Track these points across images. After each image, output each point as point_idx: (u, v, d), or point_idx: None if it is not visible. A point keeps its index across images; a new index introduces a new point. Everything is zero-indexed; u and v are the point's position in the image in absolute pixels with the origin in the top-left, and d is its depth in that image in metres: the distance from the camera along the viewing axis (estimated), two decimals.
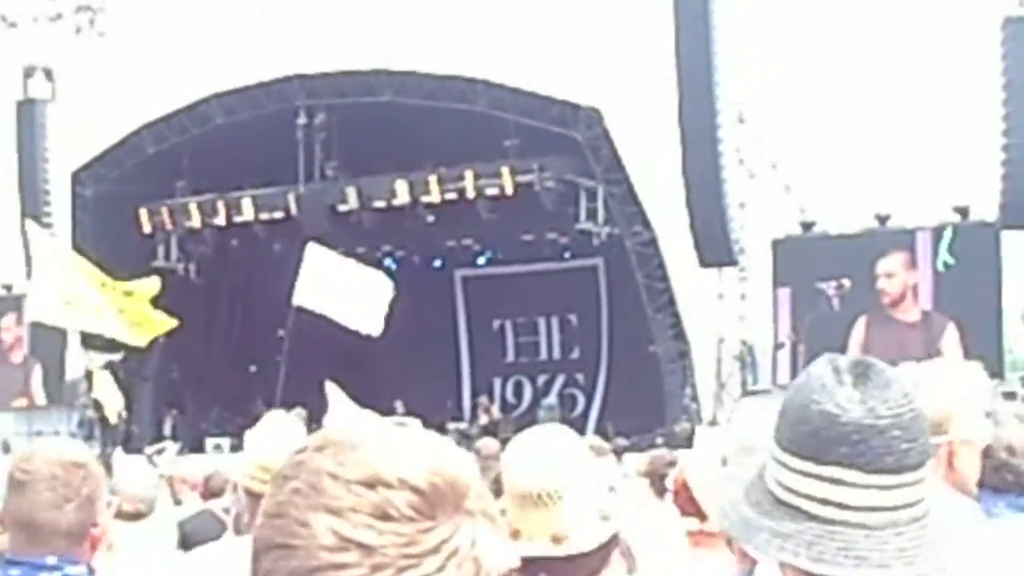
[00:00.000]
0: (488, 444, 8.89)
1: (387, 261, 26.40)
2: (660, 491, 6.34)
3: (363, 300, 12.44)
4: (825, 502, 1.58)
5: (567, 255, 26.16)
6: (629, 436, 19.75)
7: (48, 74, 26.11)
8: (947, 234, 20.42)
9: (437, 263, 28.09)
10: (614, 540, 2.48)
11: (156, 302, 12.79)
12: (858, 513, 1.57)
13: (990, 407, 2.93)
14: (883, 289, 20.70)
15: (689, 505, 3.51)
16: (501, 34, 23.79)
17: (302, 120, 23.03)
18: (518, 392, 27.35)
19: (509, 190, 22.24)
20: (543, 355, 27.59)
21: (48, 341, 24.82)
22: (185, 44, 25.34)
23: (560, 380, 27.13)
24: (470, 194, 22.55)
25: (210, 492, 7.68)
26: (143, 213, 24.80)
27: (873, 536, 1.57)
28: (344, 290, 12.36)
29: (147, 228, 24.93)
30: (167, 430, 24.74)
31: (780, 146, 22.92)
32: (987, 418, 2.83)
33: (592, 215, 22.19)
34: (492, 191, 22.43)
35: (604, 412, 25.41)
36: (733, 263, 22.17)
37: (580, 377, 26.90)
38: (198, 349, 25.42)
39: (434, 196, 22.76)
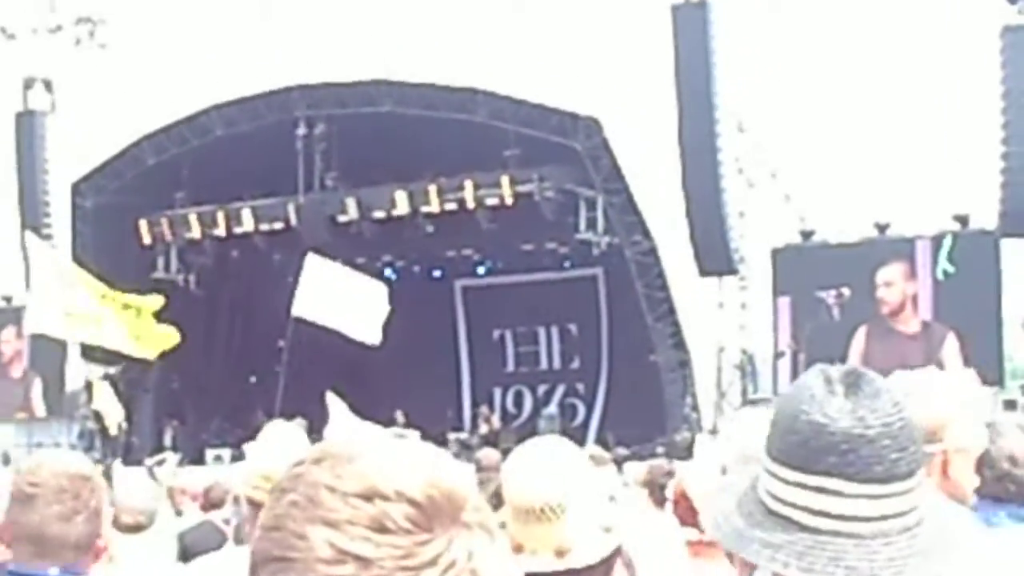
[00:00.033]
0: (488, 454, 8.84)
1: (387, 271, 26.40)
2: (659, 501, 6.34)
3: (362, 309, 12.46)
4: (815, 512, 1.58)
5: (567, 265, 26.17)
6: (630, 445, 19.65)
7: (48, 86, 26.10)
8: (947, 242, 20.44)
9: (437, 273, 28.09)
10: (617, 552, 2.48)
11: (157, 314, 12.81)
12: (848, 523, 1.57)
13: (989, 417, 2.92)
14: (882, 298, 20.72)
15: (689, 515, 3.50)
16: (501, 44, 23.83)
17: (302, 131, 23.01)
18: (518, 402, 27.34)
19: (509, 200, 22.26)
20: (543, 365, 27.59)
21: (48, 353, 24.79)
22: (185, 55, 25.38)
23: (560, 390, 27.13)
24: (470, 204, 22.56)
25: (210, 503, 7.68)
26: (143, 224, 24.83)
27: (863, 546, 1.56)
28: (343, 300, 12.38)
29: (147, 239, 24.95)
30: (167, 441, 24.69)
31: (779, 155, 22.96)
32: (985, 427, 2.82)
33: (592, 225, 22.19)
34: (492, 201, 22.45)
35: (604, 422, 25.39)
36: (733, 272, 22.19)
37: (580, 387, 26.89)
38: (198, 360, 25.38)
39: (434, 206, 22.77)
